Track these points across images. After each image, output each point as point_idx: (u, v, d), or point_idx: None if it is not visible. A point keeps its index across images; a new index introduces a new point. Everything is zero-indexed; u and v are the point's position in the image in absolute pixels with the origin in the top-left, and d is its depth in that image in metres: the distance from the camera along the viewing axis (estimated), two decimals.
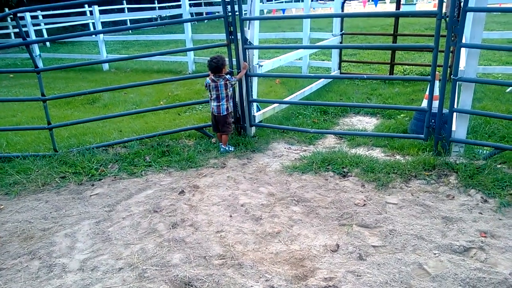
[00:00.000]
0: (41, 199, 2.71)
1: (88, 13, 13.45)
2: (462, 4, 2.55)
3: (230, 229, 2.23)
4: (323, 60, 7.05)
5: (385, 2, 16.39)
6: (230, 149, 3.35)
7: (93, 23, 10.63)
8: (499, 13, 10.98)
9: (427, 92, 3.08)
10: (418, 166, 2.81)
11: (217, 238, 2.15)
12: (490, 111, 3.72)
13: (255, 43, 3.45)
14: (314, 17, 9.49)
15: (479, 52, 2.81)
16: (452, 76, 2.80)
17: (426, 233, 2.10)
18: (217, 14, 5.87)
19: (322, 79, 5.17)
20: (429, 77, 2.88)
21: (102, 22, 8.31)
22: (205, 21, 16.86)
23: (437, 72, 2.88)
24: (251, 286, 1.77)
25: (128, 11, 15.91)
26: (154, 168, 3.08)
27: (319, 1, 6.83)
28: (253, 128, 3.65)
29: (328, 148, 3.34)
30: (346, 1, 5.60)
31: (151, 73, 7.38)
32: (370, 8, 13.95)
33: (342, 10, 5.54)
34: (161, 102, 5.20)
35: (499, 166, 2.75)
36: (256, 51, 3.49)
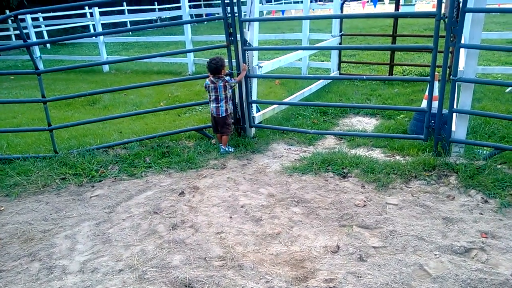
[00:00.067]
0: (41, 201, 2.71)
1: (88, 14, 13.48)
2: (461, 4, 2.56)
3: (230, 230, 2.23)
4: (323, 61, 7.06)
5: (384, 3, 16.42)
6: (230, 150, 3.35)
7: (94, 25, 10.66)
8: (498, 13, 10.99)
9: (426, 93, 3.08)
10: (418, 166, 2.81)
11: (217, 240, 2.15)
12: (489, 111, 3.72)
13: (255, 44, 3.46)
14: (313, 18, 9.51)
15: (478, 53, 2.81)
16: (451, 76, 2.81)
17: (426, 233, 2.10)
18: (216, 15, 5.89)
19: (321, 80, 5.17)
20: (429, 77, 2.89)
21: (102, 24, 8.34)
22: (205, 22, 16.89)
23: (436, 73, 2.88)
24: (251, 287, 1.77)
25: (128, 13, 15.94)
26: (154, 169, 3.08)
27: (318, 2, 6.85)
28: (253, 129, 3.65)
29: (328, 148, 3.34)
30: (345, 2, 5.61)
31: (151, 74, 7.40)
32: (369, 9, 13.97)
33: (341, 11, 5.55)
34: (161, 103, 5.21)
35: (499, 166, 2.75)
36: (255, 52, 3.49)
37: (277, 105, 3.99)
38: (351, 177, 2.80)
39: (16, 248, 2.18)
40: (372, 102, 4.64)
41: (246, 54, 3.34)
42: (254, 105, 3.62)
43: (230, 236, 2.17)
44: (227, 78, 3.23)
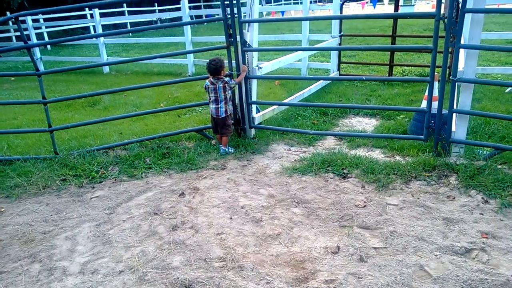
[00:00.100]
0: (41, 202, 2.71)
1: (88, 16, 13.52)
2: (460, 5, 2.56)
3: (230, 231, 2.22)
4: (322, 62, 7.07)
5: (383, 4, 16.44)
6: (230, 150, 3.35)
7: (94, 26, 10.68)
8: (498, 13, 11.00)
9: (426, 93, 3.08)
10: (418, 167, 2.81)
11: (218, 241, 2.15)
12: (489, 112, 3.72)
13: (255, 45, 3.46)
14: (313, 19, 9.52)
15: (478, 53, 2.82)
16: (451, 77, 2.81)
17: (427, 234, 2.10)
18: (216, 16, 5.90)
19: (321, 81, 5.18)
20: (428, 78, 2.89)
21: (102, 25, 8.36)
22: (205, 23, 16.91)
23: (436, 73, 2.89)
24: None
25: (128, 14, 15.98)
26: (154, 170, 3.08)
27: (317, 3, 6.86)
28: (253, 130, 3.65)
29: (328, 149, 3.34)
30: (345, 3, 5.62)
31: (151, 75, 7.41)
32: (369, 9, 14.00)
33: (341, 12, 5.56)
34: (161, 104, 5.21)
35: (499, 166, 2.75)
36: (255, 53, 3.50)
37: (277, 106, 4.00)
38: (351, 177, 2.80)
39: (16, 250, 2.18)
40: (372, 103, 4.64)
41: (246, 55, 3.34)
42: (254, 106, 3.62)
43: (230, 237, 2.17)
44: (227, 79, 3.24)
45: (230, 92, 3.29)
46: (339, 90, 5.21)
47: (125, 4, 16.13)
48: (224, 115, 3.26)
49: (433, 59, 2.82)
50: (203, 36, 9.76)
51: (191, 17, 9.90)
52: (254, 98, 3.60)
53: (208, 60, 3.22)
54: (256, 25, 3.46)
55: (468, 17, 2.73)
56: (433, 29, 2.74)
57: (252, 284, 1.80)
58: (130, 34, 13.31)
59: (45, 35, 12.25)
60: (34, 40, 8.87)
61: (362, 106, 4.26)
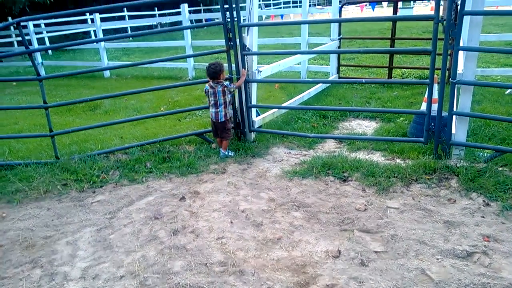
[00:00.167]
0: (43, 207, 2.72)
1: (89, 21, 13.61)
2: (459, 7, 2.58)
3: (231, 236, 2.22)
4: (322, 65, 7.09)
5: (382, 6, 16.52)
6: (230, 154, 3.35)
7: (94, 31, 10.74)
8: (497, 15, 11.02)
9: (426, 95, 3.09)
10: (418, 169, 2.80)
11: (218, 245, 2.14)
12: (489, 114, 3.73)
13: (254, 49, 3.48)
14: (312, 23, 9.55)
15: (477, 55, 2.82)
16: (450, 79, 2.82)
17: (428, 237, 2.09)
18: (216, 20, 5.93)
19: (321, 83, 5.19)
20: (428, 80, 2.89)
21: (103, 30, 8.41)
22: (205, 27, 17.00)
23: (435, 75, 2.89)
24: None
25: (128, 19, 16.07)
26: (155, 174, 3.09)
27: (316, 7, 6.90)
28: (253, 133, 3.66)
29: (328, 152, 3.34)
30: (344, 6, 5.65)
31: (152, 80, 7.43)
32: (368, 12, 14.05)
33: (340, 15, 5.58)
34: (162, 108, 5.23)
35: (500, 169, 2.74)
36: (255, 57, 3.51)
37: (276, 109, 4.01)
38: (351, 180, 2.79)
39: (17, 255, 2.18)
40: (371, 105, 4.64)
41: (246, 59, 3.36)
42: (253, 109, 3.63)
43: (231, 242, 2.17)
44: (226, 83, 3.25)
45: (229, 96, 3.30)
46: (338, 93, 5.22)
47: (125, 9, 16.24)
48: (223, 119, 3.27)
49: (432, 62, 2.83)
50: (203, 40, 9.80)
51: (191, 21, 9.96)
52: (254, 102, 3.61)
53: (207, 64, 3.24)
54: (255, 28, 3.48)
55: (467, 19, 2.74)
56: (432, 31, 2.75)
57: None
58: (131, 38, 13.37)
59: (46, 40, 12.33)
60: (36, 45, 8.93)
61: (361, 109, 4.26)
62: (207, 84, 3.28)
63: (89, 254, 2.15)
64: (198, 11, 19.54)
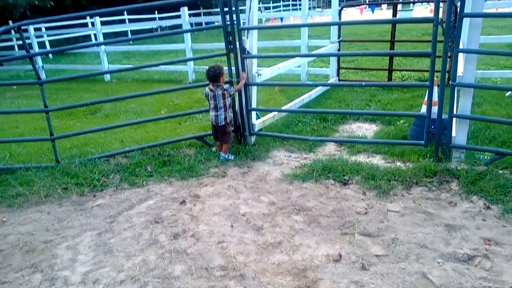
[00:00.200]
0: (43, 211, 2.72)
1: (90, 24, 13.66)
2: (458, 10, 2.58)
3: (231, 240, 2.22)
4: (322, 67, 7.10)
5: (381, 9, 16.58)
6: (230, 157, 3.35)
7: (95, 35, 10.79)
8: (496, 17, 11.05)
9: (426, 98, 3.09)
10: (419, 172, 2.80)
11: (219, 249, 2.14)
12: (490, 116, 3.73)
13: (254, 52, 3.49)
14: (312, 26, 9.61)
15: (477, 57, 2.83)
16: (450, 81, 2.82)
17: (429, 241, 2.09)
18: (216, 24, 5.96)
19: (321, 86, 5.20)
20: (428, 82, 2.90)
21: (103, 33, 8.45)
22: (204, 30, 17.06)
23: (435, 78, 2.90)
24: None
25: (129, 22, 16.14)
26: (155, 178, 3.09)
27: (316, 9, 6.93)
28: (253, 137, 3.66)
29: (328, 155, 3.34)
30: (343, 8, 5.68)
31: (152, 83, 7.46)
32: (367, 15, 14.11)
33: (340, 18, 5.60)
34: (162, 112, 5.24)
35: (500, 171, 2.74)
36: (255, 60, 3.52)
37: (277, 112, 4.01)
38: (352, 184, 2.79)
39: (18, 260, 2.18)
40: (371, 108, 4.65)
41: (245, 62, 3.37)
42: (254, 113, 3.63)
43: (231, 246, 2.16)
44: (226, 86, 3.26)
45: (229, 99, 3.31)
46: (338, 95, 5.22)
47: (125, 12, 16.31)
48: (223, 123, 3.27)
49: (432, 64, 2.83)
50: (203, 43, 9.84)
51: (191, 24, 10.00)
52: (254, 105, 3.62)
53: (207, 67, 3.25)
54: (255, 31, 3.50)
55: (466, 21, 2.75)
56: (431, 33, 2.76)
57: None
58: (131, 42, 13.43)
59: (47, 43, 12.37)
60: (36, 48, 8.96)
61: (361, 112, 4.27)
62: (207, 87, 3.29)
63: (89, 258, 2.15)
64: (198, 15, 19.62)
